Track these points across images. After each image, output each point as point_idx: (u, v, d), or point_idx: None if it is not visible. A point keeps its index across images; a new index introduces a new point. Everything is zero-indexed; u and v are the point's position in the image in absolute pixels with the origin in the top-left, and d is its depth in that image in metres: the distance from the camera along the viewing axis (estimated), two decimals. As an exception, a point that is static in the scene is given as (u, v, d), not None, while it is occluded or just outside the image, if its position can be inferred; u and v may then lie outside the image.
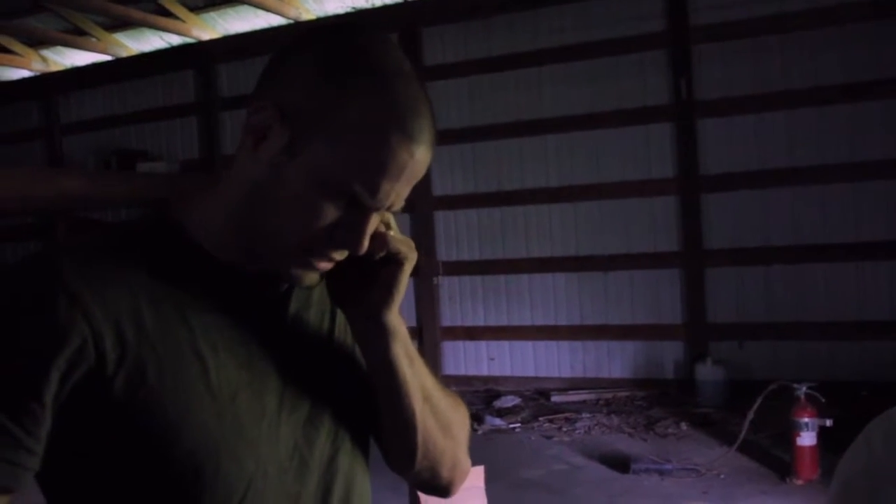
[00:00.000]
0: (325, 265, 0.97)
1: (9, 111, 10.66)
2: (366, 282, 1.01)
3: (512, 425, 6.52)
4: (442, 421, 1.10)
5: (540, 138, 7.63)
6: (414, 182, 0.95)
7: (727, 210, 6.99)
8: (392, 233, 0.99)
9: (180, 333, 0.92)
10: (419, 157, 0.93)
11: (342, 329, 1.10)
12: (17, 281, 0.90)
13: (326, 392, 1.05)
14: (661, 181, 7.19)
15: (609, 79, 7.31)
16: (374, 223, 0.95)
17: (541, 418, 6.63)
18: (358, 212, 0.93)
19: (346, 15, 8.35)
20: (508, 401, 7.23)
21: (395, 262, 0.99)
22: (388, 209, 0.96)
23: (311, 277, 0.98)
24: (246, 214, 0.96)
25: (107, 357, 0.87)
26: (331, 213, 0.92)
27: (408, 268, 1.00)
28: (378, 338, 1.02)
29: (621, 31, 7.20)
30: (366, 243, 0.95)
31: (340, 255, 0.97)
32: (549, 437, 6.14)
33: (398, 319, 1.03)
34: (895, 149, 6.40)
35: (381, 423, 1.09)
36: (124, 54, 9.68)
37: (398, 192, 0.94)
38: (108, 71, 9.77)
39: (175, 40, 9.40)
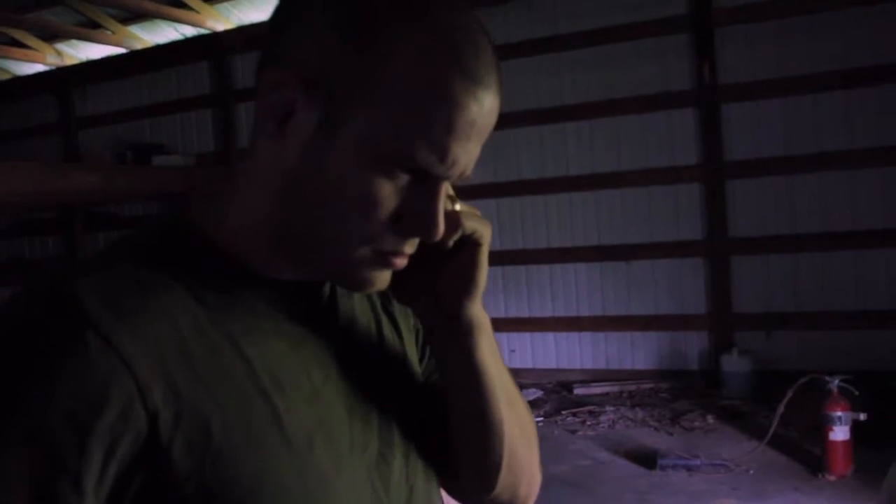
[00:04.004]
0: (399, 261, 0.78)
1: (25, 106, 10.61)
2: (436, 271, 0.83)
3: (535, 419, 6.41)
4: (524, 428, 0.94)
5: (560, 126, 7.47)
6: (484, 139, 0.77)
7: (753, 197, 6.82)
8: (459, 207, 0.81)
9: (237, 369, 0.73)
10: (489, 106, 0.74)
11: (391, 337, 0.92)
12: (27, 326, 0.67)
13: (390, 417, 0.86)
14: (684, 168, 7.02)
15: (630, 64, 7.14)
16: (443, 198, 0.76)
17: (564, 412, 6.52)
18: (425, 187, 0.74)
19: None
20: (530, 394, 7.12)
21: (471, 243, 0.82)
22: (459, 177, 0.77)
23: (383, 278, 0.80)
24: (284, 215, 0.76)
25: (159, 416, 0.66)
26: (393, 196, 0.73)
27: (486, 248, 0.83)
28: (462, 337, 0.84)
29: (642, 14, 7.01)
30: (442, 225, 0.75)
31: (412, 247, 0.78)
32: (572, 432, 6.03)
33: (482, 312, 0.86)
34: (927, 132, 6.21)
35: (452, 441, 0.90)
36: (139, 46, 9.60)
37: (469, 154, 0.75)
38: (123, 64, 9.69)
39: (189, 31, 9.32)
